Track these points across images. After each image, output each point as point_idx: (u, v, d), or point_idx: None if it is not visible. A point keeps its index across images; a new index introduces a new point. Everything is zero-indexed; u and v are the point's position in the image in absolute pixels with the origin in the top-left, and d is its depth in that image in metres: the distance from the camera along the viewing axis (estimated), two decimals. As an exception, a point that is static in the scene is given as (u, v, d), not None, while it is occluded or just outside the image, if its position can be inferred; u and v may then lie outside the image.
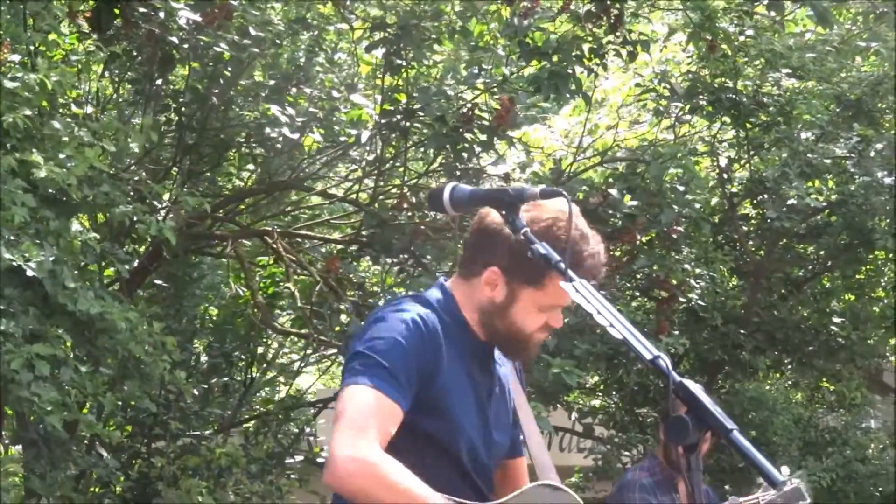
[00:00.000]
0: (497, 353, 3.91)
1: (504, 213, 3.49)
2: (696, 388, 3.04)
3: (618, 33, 10.05)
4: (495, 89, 10.00)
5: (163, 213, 9.47)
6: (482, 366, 3.81)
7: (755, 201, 12.72)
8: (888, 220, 12.05)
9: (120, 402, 8.93)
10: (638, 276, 11.33)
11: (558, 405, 12.04)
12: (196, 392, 11.19)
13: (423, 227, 10.02)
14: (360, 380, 3.50)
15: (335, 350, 11.56)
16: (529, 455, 3.95)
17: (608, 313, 3.19)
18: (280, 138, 10.02)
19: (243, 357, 13.10)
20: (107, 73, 10.12)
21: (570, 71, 9.77)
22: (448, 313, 3.75)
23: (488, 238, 3.74)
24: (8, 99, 6.87)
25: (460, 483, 3.69)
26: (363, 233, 10.81)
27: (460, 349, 3.73)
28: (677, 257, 10.83)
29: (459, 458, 3.69)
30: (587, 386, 12.99)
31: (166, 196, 9.72)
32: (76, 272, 7.07)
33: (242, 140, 10.56)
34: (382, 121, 9.98)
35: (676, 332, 10.88)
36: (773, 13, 11.29)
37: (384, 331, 3.61)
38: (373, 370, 3.50)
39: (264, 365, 13.59)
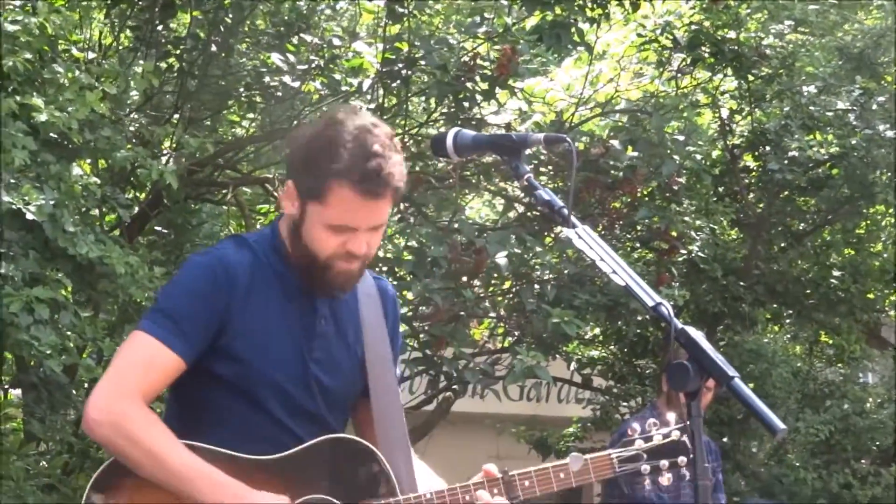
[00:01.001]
0: (360, 293, 3.68)
1: (506, 157, 3.41)
2: (697, 335, 3.04)
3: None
4: (496, 40, 9.95)
5: (164, 159, 9.44)
6: (305, 304, 3.59)
7: (756, 153, 12.69)
8: (889, 174, 12.04)
9: (120, 348, 8.91)
10: (638, 228, 11.29)
11: (557, 355, 12.05)
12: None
13: (423, 176, 9.99)
14: (141, 325, 3.45)
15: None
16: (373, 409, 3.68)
17: (611, 260, 3.18)
18: (281, 86, 9.99)
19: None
20: (107, 20, 10.06)
21: (572, 20, 9.71)
22: (268, 250, 3.58)
23: (289, 150, 3.62)
24: (8, 42, 6.84)
25: (274, 430, 3.51)
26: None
27: (278, 287, 3.55)
28: (678, 209, 10.80)
29: (266, 404, 3.50)
30: (586, 337, 12.99)
31: (167, 143, 9.69)
32: (77, 217, 7.04)
33: (243, 87, 10.51)
34: (384, 69, 9.92)
35: (676, 284, 10.87)
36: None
37: (178, 278, 3.56)
38: (156, 318, 3.43)
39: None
